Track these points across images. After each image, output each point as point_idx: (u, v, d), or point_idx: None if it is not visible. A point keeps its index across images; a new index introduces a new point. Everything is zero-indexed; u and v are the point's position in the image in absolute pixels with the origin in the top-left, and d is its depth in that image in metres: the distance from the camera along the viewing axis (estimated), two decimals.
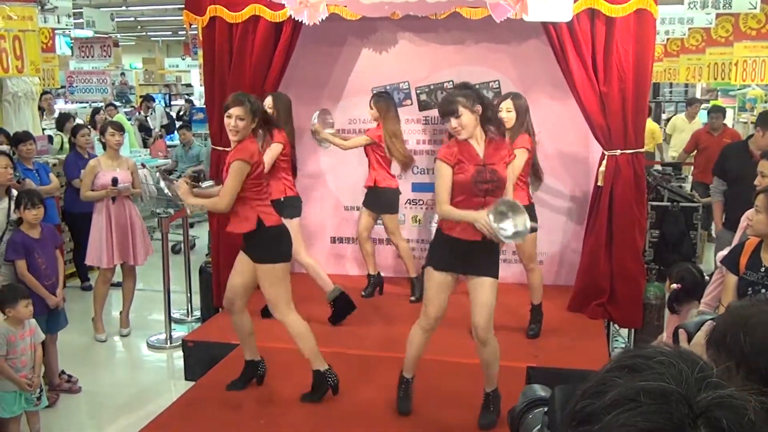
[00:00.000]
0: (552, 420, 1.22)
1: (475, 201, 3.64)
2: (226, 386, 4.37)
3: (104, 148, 6.02)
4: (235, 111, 3.93)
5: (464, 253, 3.68)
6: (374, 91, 5.90)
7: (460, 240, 3.67)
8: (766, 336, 1.07)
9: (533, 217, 4.55)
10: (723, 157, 5.89)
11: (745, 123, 11.41)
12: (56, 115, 9.87)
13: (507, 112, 4.73)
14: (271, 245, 4.07)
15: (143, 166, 8.60)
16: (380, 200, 5.68)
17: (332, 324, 5.23)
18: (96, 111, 10.23)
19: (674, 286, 4.31)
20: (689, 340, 1.54)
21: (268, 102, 5.13)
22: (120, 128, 5.93)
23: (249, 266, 4.12)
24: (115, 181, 5.67)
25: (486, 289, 3.70)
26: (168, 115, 15.12)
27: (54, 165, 7.27)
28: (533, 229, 3.76)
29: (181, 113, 15.25)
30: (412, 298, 5.74)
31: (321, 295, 5.29)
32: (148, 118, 13.39)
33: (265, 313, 5.28)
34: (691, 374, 0.76)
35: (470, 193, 3.64)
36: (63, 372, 5.02)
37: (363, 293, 5.88)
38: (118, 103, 13.73)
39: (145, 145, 11.74)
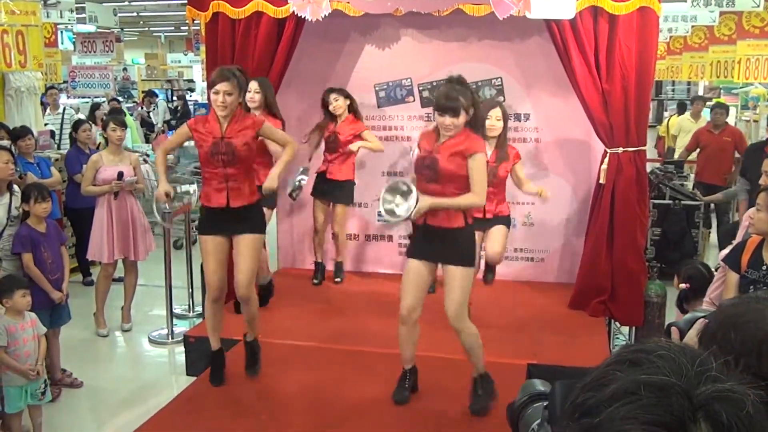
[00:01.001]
0: (552, 414, 1.22)
1: (422, 186, 3.72)
2: (211, 381, 4.40)
3: (107, 143, 6.03)
4: (222, 86, 3.94)
5: (434, 240, 3.73)
6: (376, 88, 5.93)
7: (430, 227, 3.72)
8: (755, 333, 1.07)
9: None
10: (744, 157, 5.99)
11: (748, 121, 11.39)
12: (60, 110, 9.88)
13: (497, 120, 4.74)
14: (261, 216, 4.28)
15: (145, 161, 8.60)
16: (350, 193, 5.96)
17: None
18: (95, 106, 10.22)
19: (683, 285, 4.31)
20: (681, 337, 1.54)
21: (254, 86, 5.13)
22: (122, 123, 5.93)
23: (225, 250, 4.20)
24: (120, 175, 5.67)
25: (454, 277, 3.73)
26: (171, 110, 15.14)
27: (56, 160, 7.27)
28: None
29: (178, 109, 15.29)
30: (337, 280, 6.15)
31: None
32: (150, 114, 13.40)
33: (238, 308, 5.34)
34: (691, 368, 0.78)
35: (418, 177, 3.77)
36: (64, 370, 5.03)
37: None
38: (120, 99, 13.72)
39: (147, 141, 11.75)
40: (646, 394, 0.75)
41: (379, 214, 3.83)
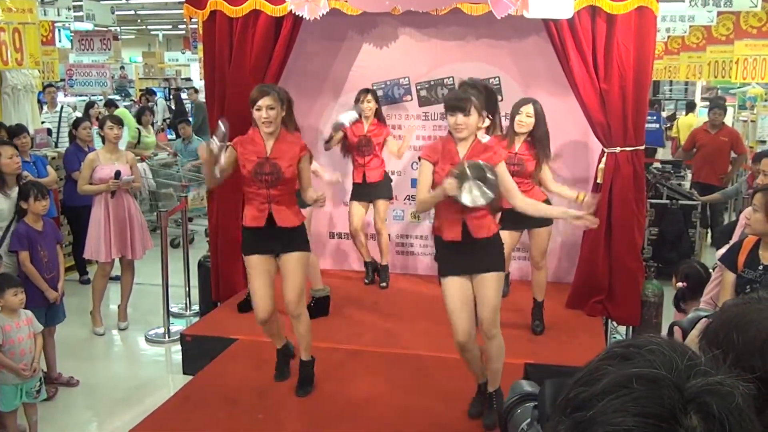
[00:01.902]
0: (542, 413, 1.22)
1: (448, 202, 3.56)
2: (275, 378, 4.38)
3: (103, 141, 6.02)
4: (264, 102, 3.85)
5: (463, 252, 3.65)
6: (374, 87, 5.92)
7: (449, 242, 3.65)
8: (757, 335, 1.07)
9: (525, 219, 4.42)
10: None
11: (745, 121, 11.39)
12: (58, 108, 9.86)
13: (526, 117, 4.75)
14: (306, 235, 4.16)
15: (142, 160, 8.59)
16: (389, 188, 5.94)
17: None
18: (90, 105, 10.21)
19: (680, 284, 4.31)
20: (684, 336, 1.54)
21: None
22: (119, 122, 5.93)
23: (272, 269, 4.08)
24: (117, 174, 5.66)
25: (489, 284, 3.66)
26: (170, 108, 15.14)
27: (53, 158, 7.26)
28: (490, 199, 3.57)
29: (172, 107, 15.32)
30: (383, 284, 6.05)
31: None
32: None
33: (243, 307, 5.32)
34: (681, 362, 0.79)
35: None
36: (60, 374, 5.02)
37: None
38: (117, 98, 13.71)
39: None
40: (637, 387, 0.76)
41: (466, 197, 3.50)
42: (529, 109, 4.75)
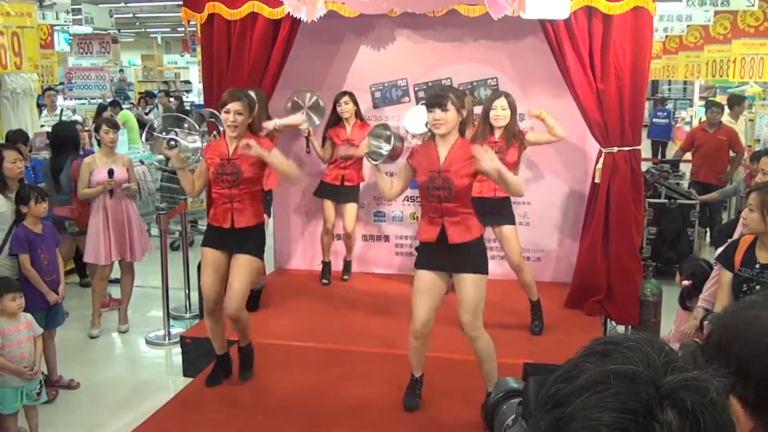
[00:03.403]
0: (526, 409, 1.24)
1: (432, 206, 3.71)
2: (207, 381, 4.42)
3: (99, 145, 6.04)
4: (233, 106, 3.99)
5: (439, 253, 3.71)
6: (372, 88, 5.95)
7: (450, 245, 3.69)
8: (758, 339, 1.07)
9: (508, 213, 4.90)
10: None
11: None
12: (58, 111, 9.87)
13: (502, 110, 4.77)
14: (262, 239, 4.28)
15: (141, 162, 8.60)
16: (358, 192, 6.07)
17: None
18: (103, 108, 10.20)
19: (685, 282, 4.32)
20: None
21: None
22: (114, 126, 5.93)
23: (224, 265, 4.20)
24: (111, 173, 5.67)
25: (468, 285, 3.71)
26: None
27: (44, 159, 7.25)
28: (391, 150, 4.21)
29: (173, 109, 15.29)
30: (345, 277, 6.25)
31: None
32: (150, 114, 13.42)
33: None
34: (658, 358, 0.81)
35: (426, 197, 3.74)
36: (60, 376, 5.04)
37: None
38: (119, 100, 13.70)
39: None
40: (615, 384, 0.78)
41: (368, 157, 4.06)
42: (503, 102, 4.79)
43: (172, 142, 4.24)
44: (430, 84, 6.16)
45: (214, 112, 4.76)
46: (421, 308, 3.78)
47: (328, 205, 5.96)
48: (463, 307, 3.73)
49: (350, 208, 5.96)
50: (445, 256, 3.72)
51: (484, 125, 4.84)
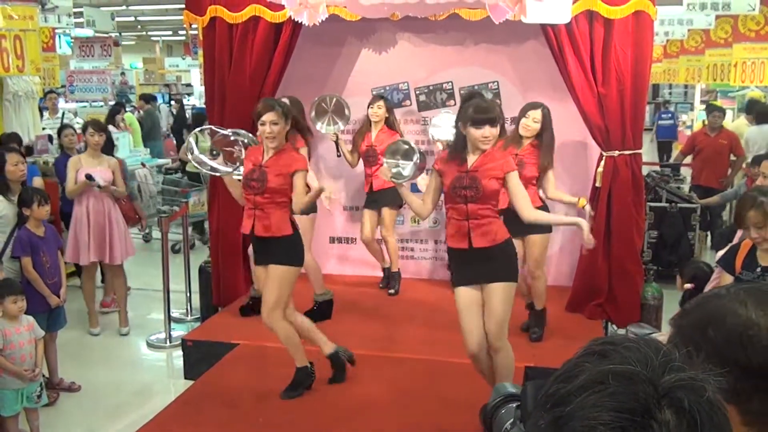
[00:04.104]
0: (524, 413, 1.25)
1: (458, 207, 3.65)
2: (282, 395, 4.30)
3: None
4: (268, 117, 3.96)
5: (469, 261, 3.66)
6: (375, 92, 5.95)
7: (455, 249, 3.68)
8: (733, 327, 1.09)
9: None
10: None
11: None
12: (59, 114, 9.88)
13: (533, 122, 4.75)
14: (297, 248, 4.17)
15: (143, 165, 8.61)
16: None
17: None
18: (116, 111, 10.19)
19: (687, 285, 4.32)
20: None
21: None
22: (100, 128, 5.93)
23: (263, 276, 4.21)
24: (89, 177, 5.66)
25: (497, 294, 3.64)
26: (172, 114, 15.15)
27: (45, 162, 7.27)
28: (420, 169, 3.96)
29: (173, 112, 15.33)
30: (391, 291, 5.99)
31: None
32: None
33: (245, 311, 5.36)
34: (656, 358, 0.82)
35: (451, 199, 3.68)
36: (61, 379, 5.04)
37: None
38: (123, 102, 13.70)
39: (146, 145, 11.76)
40: (613, 383, 0.79)
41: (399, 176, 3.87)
42: (537, 114, 4.76)
43: (215, 152, 4.20)
44: (431, 87, 6.17)
45: (237, 131, 4.64)
46: (470, 329, 3.69)
47: (365, 214, 5.87)
48: (491, 318, 3.66)
49: (384, 213, 5.83)
50: (476, 264, 3.64)
51: (515, 134, 4.83)
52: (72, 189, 5.77)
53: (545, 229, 4.78)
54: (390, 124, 5.77)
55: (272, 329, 4.17)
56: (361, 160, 5.83)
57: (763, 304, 1.10)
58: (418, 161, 3.88)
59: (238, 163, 4.25)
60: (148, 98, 13.20)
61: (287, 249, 4.12)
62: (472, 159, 3.65)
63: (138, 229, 7.23)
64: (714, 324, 1.10)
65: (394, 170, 3.86)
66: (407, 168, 3.88)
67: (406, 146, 3.93)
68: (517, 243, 4.84)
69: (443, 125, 5.62)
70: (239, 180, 4.22)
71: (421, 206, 3.80)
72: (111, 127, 7.97)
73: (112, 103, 11.86)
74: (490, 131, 3.55)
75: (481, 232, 3.62)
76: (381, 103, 5.70)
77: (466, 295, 3.68)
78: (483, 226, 3.62)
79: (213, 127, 4.51)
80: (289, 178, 4.03)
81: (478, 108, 3.58)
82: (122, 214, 6.00)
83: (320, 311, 5.31)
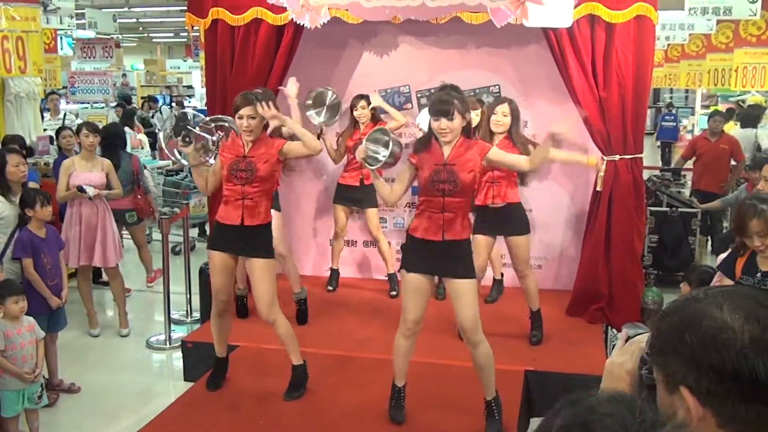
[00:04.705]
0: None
1: (435, 200, 3.67)
2: (208, 385, 4.42)
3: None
4: (245, 111, 4.02)
5: (434, 254, 3.69)
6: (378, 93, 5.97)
7: (424, 240, 3.69)
8: (707, 331, 1.09)
9: (521, 217, 4.90)
10: None
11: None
12: (61, 115, 9.89)
13: (503, 116, 4.76)
14: (270, 237, 4.25)
15: (145, 167, 8.61)
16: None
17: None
18: (132, 113, 10.16)
19: (695, 292, 4.30)
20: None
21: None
22: (95, 130, 5.93)
23: (233, 266, 4.27)
24: (81, 189, 5.64)
25: (465, 291, 3.69)
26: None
27: (45, 164, 7.28)
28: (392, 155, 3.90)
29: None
30: (393, 293, 5.92)
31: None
32: (154, 118, 13.45)
33: (241, 313, 5.40)
34: (634, 420, 0.91)
35: (428, 193, 3.69)
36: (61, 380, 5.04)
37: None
38: (125, 103, 13.71)
39: (152, 147, 11.74)
40: None
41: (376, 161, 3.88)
42: (504, 108, 4.78)
43: (187, 138, 4.23)
44: (432, 90, 6.16)
45: (221, 117, 4.74)
46: (413, 306, 3.77)
47: (339, 210, 5.90)
48: (464, 314, 3.70)
49: (371, 213, 5.87)
50: (437, 257, 3.68)
51: (485, 130, 4.85)
52: (62, 196, 5.76)
53: (525, 229, 4.88)
54: (376, 118, 5.80)
55: (274, 323, 4.19)
56: (344, 158, 5.87)
57: (739, 308, 1.11)
58: (396, 150, 3.90)
59: (210, 155, 4.36)
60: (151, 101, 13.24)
61: (267, 239, 4.22)
62: (447, 149, 3.68)
63: (151, 220, 7.28)
64: (691, 327, 1.11)
65: (370, 152, 3.87)
66: (382, 154, 3.91)
67: (386, 137, 3.98)
68: (489, 240, 4.88)
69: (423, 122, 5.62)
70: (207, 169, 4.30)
71: (389, 193, 3.82)
72: (126, 128, 8.03)
73: (113, 104, 11.88)
74: (447, 124, 3.58)
75: (453, 225, 3.68)
76: (363, 102, 5.75)
77: (417, 281, 3.74)
78: (455, 220, 3.68)
79: (186, 111, 4.63)
80: (276, 163, 4.11)
81: (435, 100, 3.68)
82: (138, 209, 6.03)
83: (304, 310, 5.38)
